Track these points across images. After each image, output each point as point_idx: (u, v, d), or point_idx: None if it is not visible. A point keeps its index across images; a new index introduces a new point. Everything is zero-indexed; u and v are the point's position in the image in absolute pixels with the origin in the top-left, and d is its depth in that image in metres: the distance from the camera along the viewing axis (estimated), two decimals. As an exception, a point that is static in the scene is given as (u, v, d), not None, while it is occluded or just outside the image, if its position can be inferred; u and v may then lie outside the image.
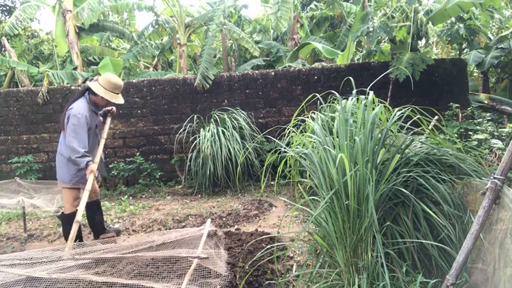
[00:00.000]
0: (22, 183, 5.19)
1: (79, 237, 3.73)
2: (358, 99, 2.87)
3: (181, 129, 6.99)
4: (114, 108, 4.14)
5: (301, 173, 3.65)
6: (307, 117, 3.18)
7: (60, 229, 4.85)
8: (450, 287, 1.99)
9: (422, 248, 2.44)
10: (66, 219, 3.76)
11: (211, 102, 7.33)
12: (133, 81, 7.50)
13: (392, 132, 2.83)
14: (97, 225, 4.08)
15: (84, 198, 3.50)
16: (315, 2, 12.11)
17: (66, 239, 3.65)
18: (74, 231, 3.33)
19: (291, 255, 3.42)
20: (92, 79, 4.01)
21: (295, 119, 3.36)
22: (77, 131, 3.58)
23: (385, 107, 2.93)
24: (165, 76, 8.62)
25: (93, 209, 4.02)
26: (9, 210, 5.02)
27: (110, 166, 7.13)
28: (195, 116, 7.09)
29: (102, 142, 3.91)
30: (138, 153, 7.24)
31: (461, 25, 6.98)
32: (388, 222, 2.44)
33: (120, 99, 3.86)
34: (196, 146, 6.54)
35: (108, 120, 4.10)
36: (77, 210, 3.55)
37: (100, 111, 4.01)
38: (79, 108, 3.67)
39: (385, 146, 2.80)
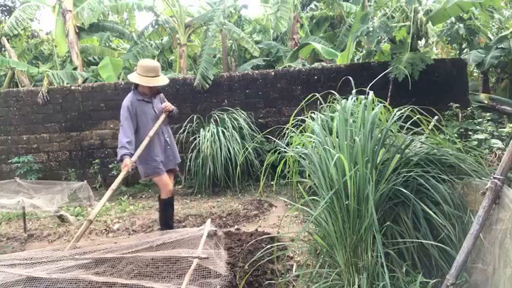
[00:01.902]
0: (22, 183, 5.19)
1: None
2: (358, 99, 2.87)
3: (181, 129, 6.98)
4: (167, 105, 3.92)
5: (301, 173, 3.65)
6: (307, 117, 3.18)
7: (60, 229, 4.87)
8: (450, 287, 1.99)
9: (422, 248, 2.44)
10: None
11: (211, 102, 7.33)
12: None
13: (392, 132, 2.83)
14: (162, 220, 4.12)
15: (106, 196, 3.47)
16: (314, 2, 12.11)
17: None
18: (82, 229, 3.35)
19: (291, 255, 3.42)
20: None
21: (294, 119, 3.35)
22: (121, 122, 3.68)
23: (384, 107, 2.92)
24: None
25: (164, 206, 4.04)
26: (9, 210, 5.02)
27: (110, 166, 7.13)
28: (195, 116, 7.09)
29: (147, 140, 3.70)
30: (138, 153, 7.24)
31: (461, 25, 6.98)
32: (388, 222, 2.44)
33: (158, 81, 3.73)
34: (196, 146, 6.54)
35: (161, 117, 3.86)
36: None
37: (154, 98, 3.90)
38: (124, 100, 3.76)
39: (385, 146, 2.80)
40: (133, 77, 3.72)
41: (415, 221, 2.49)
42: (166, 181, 3.88)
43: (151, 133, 3.74)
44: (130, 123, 3.66)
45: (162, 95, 4.09)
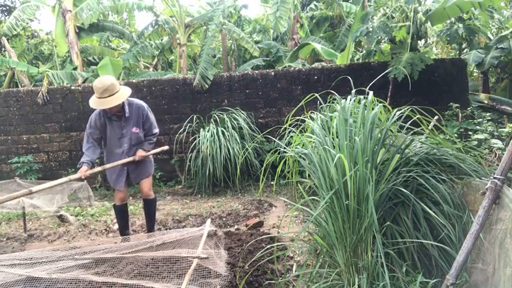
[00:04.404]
0: (22, 183, 5.18)
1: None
2: (357, 99, 2.87)
3: (181, 129, 6.99)
4: (140, 154, 3.81)
5: (301, 173, 3.64)
6: (307, 117, 3.18)
7: (60, 229, 4.87)
8: (450, 287, 1.99)
9: (422, 248, 2.44)
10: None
11: (211, 102, 7.33)
12: (133, 81, 7.50)
13: (392, 132, 2.83)
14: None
15: (55, 182, 3.51)
16: (314, 2, 12.12)
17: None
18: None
19: (291, 255, 3.42)
20: None
21: (292, 119, 3.34)
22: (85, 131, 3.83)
23: (384, 107, 2.92)
24: (165, 76, 8.62)
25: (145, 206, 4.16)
26: (9, 210, 5.02)
27: (110, 166, 7.13)
28: (195, 116, 7.09)
29: (111, 165, 3.73)
30: (138, 153, 7.24)
31: (461, 25, 6.99)
32: (388, 222, 2.44)
33: (111, 102, 3.46)
34: (196, 146, 6.54)
35: (126, 159, 3.80)
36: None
37: (118, 115, 3.75)
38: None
39: (385, 146, 2.80)
40: (91, 102, 3.60)
41: (415, 221, 2.49)
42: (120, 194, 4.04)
43: (117, 163, 3.72)
44: (91, 139, 3.75)
45: (143, 111, 3.82)
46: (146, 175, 4.00)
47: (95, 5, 9.38)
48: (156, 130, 3.99)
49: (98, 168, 3.72)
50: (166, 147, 4.32)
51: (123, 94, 3.58)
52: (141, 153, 3.85)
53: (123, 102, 3.66)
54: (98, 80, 3.58)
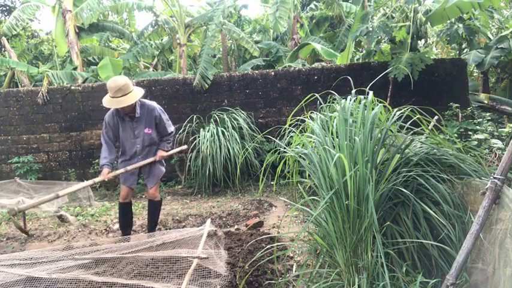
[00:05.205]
0: (22, 183, 5.20)
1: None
2: (357, 99, 2.87)
3: (181, 130, 6.98)
4: (161, 154, 4.00)
5: (301, 173, 3.64)
6: (307, 117, 3.18)
7: (60, 229, 4.87)
8: (450, 287, 1.99)
9: (422, 248, 2.44)
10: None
11: (211, 102, 7.33)
12: (133, 81, 7.50)
13: (392, 132, 2.83)
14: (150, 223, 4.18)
15: (80, 185, 3.97)
16: (314, 2, 12.12)
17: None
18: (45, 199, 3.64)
19: (291, 255, 3.42)
20: None
21: (292, 119, 3.33)
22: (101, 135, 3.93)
23: (384, 107, 2.92)
24: (165, 76, 8.62)
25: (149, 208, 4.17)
26: (9, 210, 5.02)
27: (110, 166, 7.13)
28: (195, 116, 7.09)
29: (130, 167, 3.89)
30: (138, 153, 7.24)
31: (461, 25, 6.99)
32: (388, 222, 2.44)
33: (123, 102, 3.49)
34: (196, 146, 6.54)
35: (148, 160, 3.97)
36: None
37: (130, 116, 3.76)
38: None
39: (385, 146, 2.80)
40: (104, 101, 3.61)
41: (415, 221, 2.49)
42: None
43: (139, 164, 3.93)
44: (106, 137, 3.84)
45: (155, 112, 3.82)
46: (157, 177, 4.10)
47: (95, 5, 9.38)
48: (172, 129, 4.03)
49: (120, 170, 3.82)
50: (185, 147, 4.47)
51: (136, 94, 3.61)
52: (161, 153, 3.99)
53: (135, 103, 3.68)
54: (111, 79, 3.59)
